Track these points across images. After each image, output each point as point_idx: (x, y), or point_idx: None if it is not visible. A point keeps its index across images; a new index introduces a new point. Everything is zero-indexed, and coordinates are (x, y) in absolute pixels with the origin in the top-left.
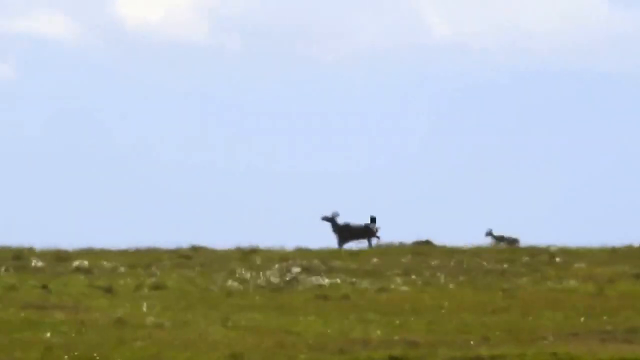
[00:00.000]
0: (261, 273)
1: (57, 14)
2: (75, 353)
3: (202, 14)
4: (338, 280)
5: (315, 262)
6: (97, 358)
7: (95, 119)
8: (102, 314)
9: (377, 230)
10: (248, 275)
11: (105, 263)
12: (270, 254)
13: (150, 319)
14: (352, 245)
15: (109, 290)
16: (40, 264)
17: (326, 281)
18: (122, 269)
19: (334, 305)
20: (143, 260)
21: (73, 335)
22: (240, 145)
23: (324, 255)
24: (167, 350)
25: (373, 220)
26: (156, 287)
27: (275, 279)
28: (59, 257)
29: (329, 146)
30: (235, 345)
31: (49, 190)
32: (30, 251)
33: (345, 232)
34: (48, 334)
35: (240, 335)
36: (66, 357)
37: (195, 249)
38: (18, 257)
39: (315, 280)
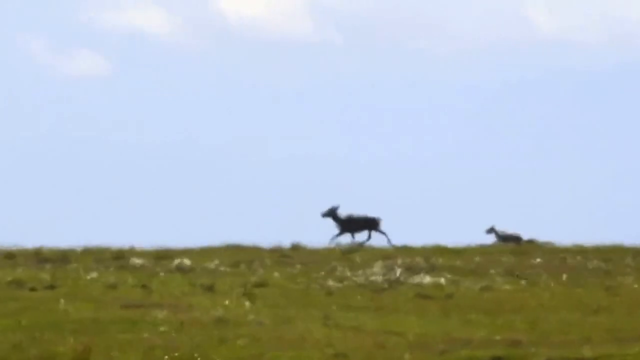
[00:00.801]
0: (362, 271)
1: (157, 8)
2: (176, 354)
3: (303, 8)
4: (441, 279)
5: (418, 260)
6: (198, 358)
7: (194, 115)
8: (203, 313)
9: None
10: (348, 274)
11: (206, 262)
12: (371, 252)
13: (251, 318)
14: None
15: (210, 288)
16: (140, 262)
17: (428, 280)
18: (223, 268)
19: (436, 305)
20: (244, 258)
21: (173, 334)
22: (344, 141)
23: (426, 253)
24: (269, 349)
25: (374, 220)
26: (257, 285)
27: (376, 278)
28: (159, 256)
29: (432, 140)
30: (337, 344)
31: (149, 189)
32: (131, 250)
33: (348, 225)
34: (148, 334)
35: (341, 335)
36: (166, 357)
37: (295, 248)
38: (118, 257)
39: (417, 279)
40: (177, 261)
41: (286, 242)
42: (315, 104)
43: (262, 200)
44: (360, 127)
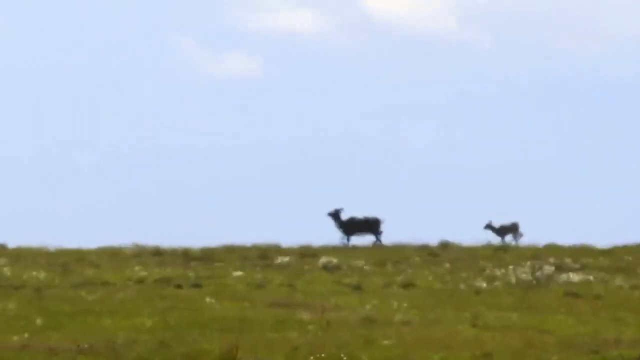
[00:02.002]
0: (511, 270)
1: (306, 9)
2: (322, 354)
3: (450, 6)
4: (590, 278)
5: (567, 259)
6: (344, 358)
7: (344, 114)
8: (350, 312)
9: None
10: (497, 273)
11: (351, 260)
12: (520, 251)
13: (398, 318)
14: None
15: (357, 287)
16: (285, 261)
17: (577, 279)
18: (369, 267)
19: (585, 304)
20: (391, 257)
21: (319, 334)
22: (488, 140)
23: (575, 252)
24: (416, 349)
25: (375, 221)
26: (405, 284)
27: (525, 277)
28: (305, 254)
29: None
30: (485, 344)
31: (295, 186)
32: (276, 248)
33: (349, 227)
34: (294, 333)
35: (489, 334)
36: (312, 357)
37: (444, 246)
38: (264, 256)
39: (566, 277)
40: (322, 260)
41: (434, 240)
42: (457, 101)
43: (409, 198)
44: (503, 127)
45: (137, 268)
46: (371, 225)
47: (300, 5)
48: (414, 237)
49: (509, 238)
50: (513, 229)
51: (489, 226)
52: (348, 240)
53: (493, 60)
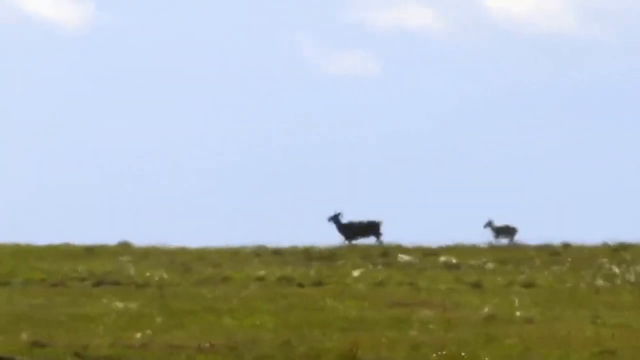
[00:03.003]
0: (631, 269)
1: (424, 7)
2: (443, 352)
3: (570, 4)
4: None
5: None
6: (465, 357)
7: (461, 114)
8: (471, 311)
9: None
10: (617, 272)
11: (471, 259)
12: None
13: (519, 316)
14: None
15: (477, 286)
16: (406, 259)
17: None
18: (490, 266)
19: None
20: (511, 256)
21: (441, 333)
22: (616, 141)
23: None
24: (537, 347)
25: (374, 224)
26: (526, 284)
27: None
28: (425, 253)
29: None
30: (605, 342)
31: (415, 185)
32: (397, 247)
33: (348, 230)
34: (415, 332)
35: (609, 332)
36: (434, 355)
37: (565, 246)
38: (385, 254)
39: None
40: (443, 258)
41: (556, 240)
42: (580, 103)
43: (530, 198)
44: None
45: (257, 267)
46: (371, 228)
47: (419, 4)
48: (536, 237)
49: (505, 240)
50: (511, 231)
51: (489, 224)
52: (350, 242)
53: (616, 59)
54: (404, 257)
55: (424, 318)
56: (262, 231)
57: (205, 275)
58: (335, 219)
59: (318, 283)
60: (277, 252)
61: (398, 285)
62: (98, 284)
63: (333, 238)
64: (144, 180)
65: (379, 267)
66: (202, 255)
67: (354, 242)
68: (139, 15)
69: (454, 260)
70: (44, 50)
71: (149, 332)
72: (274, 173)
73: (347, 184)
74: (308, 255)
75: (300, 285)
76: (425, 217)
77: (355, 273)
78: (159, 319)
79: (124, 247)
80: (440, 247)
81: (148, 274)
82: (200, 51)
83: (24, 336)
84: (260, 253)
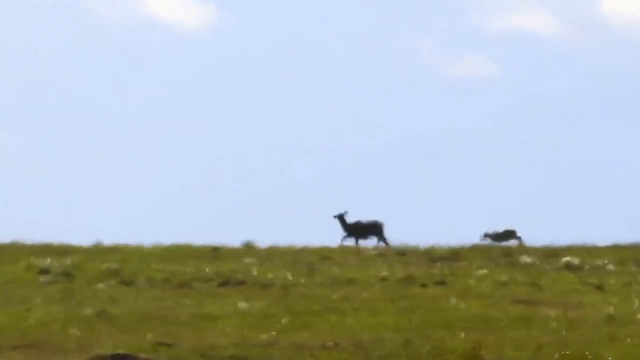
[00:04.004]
0: None
1: (542, 10)
2: (567, 351)
3: None
4: None
5: None
6: (589, 356)
7: (580, 114)
8: (593, 311)
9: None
10: None
11: (593, 260)
12: None
13: None
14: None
15: (599, 287)
16: (529, 260)
17: None
18: (611, 266)
19: None
20: (633, 256)
21: (563, 332)
22: None
23: None
24: None
25: (378, 225)
26: None
27: None
28: (548, 254)
29: None
30: None
31: (538, 187)
32: (520, 248)
33: (353, 229)
34: (538, 332)
35: None
36: (556, 355)
37: None
38: (507, 254)
39: None
40: (564, 259)
41: None
42: None
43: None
44: None
45: (380, 267)
46: (374, 229)
47: (536, 5)
48: None
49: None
50: (509, 235)
51: (487, 236)
52: (351, 241)
53: None
54: (525, 258)
55: (547, 318)
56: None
57: (330, 275)
58: (340, 217)
59: (441, 283)
60: (401, 253)
61: (520, 286)
62: (223, 284)
63: (456, 238)
64: (269, 180)
65: (502, 267)
66: (326, 255)
67: (365, 241)
68: (261, 17)
69: (575, 261)
70: (166, 52)
71: (273, 332)
72: (395, 174)
73: (470, 184)
74: (430, 255)
75: (424, 285)
76: (547, 218)
77: (479, 273)
78: (283, 319)
79: (249, 248)
80: (562, 247)
81: (272, 275)
82: (321, 54)
83: (150, 336)
84: (383, 253)
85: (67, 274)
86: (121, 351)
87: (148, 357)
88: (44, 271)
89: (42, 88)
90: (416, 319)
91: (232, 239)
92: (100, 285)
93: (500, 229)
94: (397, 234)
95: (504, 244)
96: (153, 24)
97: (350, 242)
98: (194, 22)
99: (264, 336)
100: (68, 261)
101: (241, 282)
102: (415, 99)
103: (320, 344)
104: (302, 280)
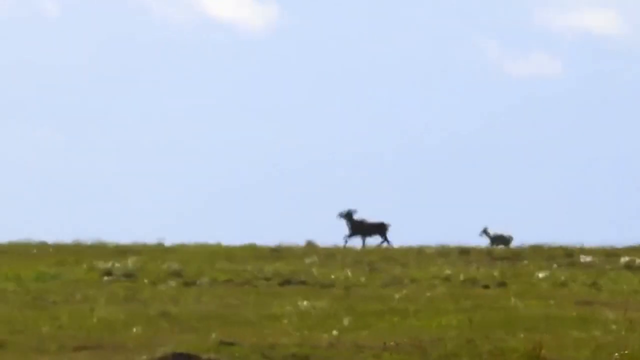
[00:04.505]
0: None
1: (607, 10)
2: (626, 351)
3: None
4: None
5: None
6: None
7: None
8: None
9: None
10: None
11: None
12: None
13: None
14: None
15: None
16: (589, 260)
17: None
18: None
19: None
20: None
21: (623, 333)
22: None
23: None
24: None
25: (382, 225)
26: None
27: None
28: (608, 254)
29: None
30: None
31: (602, 186)
32: (580, 248)
33: (358, 228)
34: (598, 332)
35: None
36: (616, 354)
37: None
38: (569, 254)
39: None
40: (625, 259)
41: None
42: None
43: None
44: None
45: (442, 267)
46: (379, 229)
47: (601, 5)
48: None
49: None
50: (506, 240)
51: (484, 232)
52: (347, 240)
53: None
54: (586, 258)
55: (607, 318)
56: (446, 230)
57: (391, 275)
58: (348, 215)
59: (502, 283)
60: (463, 252)
61: (581, 286)
62: (284, 283)
63: (519, 238)
64: (330, 180)
65: (563, 267)
66: (388, 255)
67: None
68: (323, 16)
69: (637, 261)
70: (229, 53)
71: (335, 332)
72: (459, 172)
73: (532, 182)
74: (492, 255)
75: (486, 286)
76: (609, 217)
77: (541, 274)
78: (345, 320)
79: (310, 248)
80: (623, 248)
81: (333, 275)
82: (382, 53)
83: (212, 335)
84: (445, 253)
85: (129, 275)
86: (183, 350)
87: (210, 357)
88: (107, 272)
89: (105, 88)
90: (477, 319)
91: (294, 239)
92: (163, 286)
93: (501, 231)
94: (459, 233)
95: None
96: (214, 24)
97: (354, 241)
98: (256, 22)
99: (325, 336)
100: (130, 262)
101: (302, 282)
102: (479, 95)
103: (381, 344)
104: (364, 280)
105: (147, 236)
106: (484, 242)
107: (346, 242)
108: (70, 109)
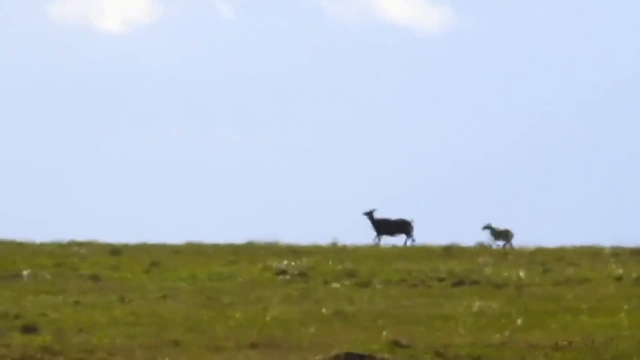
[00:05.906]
0: None
1: None
2: None
3: None
4: None
5: None
6: None
7: None
8: None
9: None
10: None
11: None
12: None
13: None
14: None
15: None
16: None
17: None
18: None
19: None
20: None
21: None
22: None
23: None
24: None
25: (405, 223)
26: None
27: None
28: None
29: None
30: None
31: None
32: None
33: (381, 226)
34: None
35: None
36: None
37: None
38: None
39: None
40: None
41: None
42: None
43: None
44: None
45: (615, 266)
46: (401, 227)
47: None
48: None
49: (500, 243)
50: (507, 235)
51: (488, 227)
52: (379, 239)
53: None
54: None
55: None
56: (620, 230)
57: (564, 275)
58: (369, 214)
59: None
60: (636, 252)
61: None
62: (457, 284)
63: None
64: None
65: None
66: (561, 255)
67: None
68: (497, 17)
69: None
70: (405, 55)
71: (507, 332)
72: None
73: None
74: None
75: None
76: None
77: None
78: (518, 320)
79: (483, 248)
80: None
81: (506, 275)
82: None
83: (385, 334)
84: (619, 253)
85: (303, 274)
86: (358, 350)
87: (384, 357)
88: (281, 272)
89: (281, 88)
90: None
91: (465, 239)
92: (336, 285)
93: (503, 226)
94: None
95: (499, 243)
96: (389, 26)
97: (379, 239)
98: (430, 23)
99: (497, 336)
100: (303, 262)
101: (475, 282)
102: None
103: (553, 343)
104: (537, 280)
105: (320, 237)
106: None
107: (376, 242)
108: (250, 110)
